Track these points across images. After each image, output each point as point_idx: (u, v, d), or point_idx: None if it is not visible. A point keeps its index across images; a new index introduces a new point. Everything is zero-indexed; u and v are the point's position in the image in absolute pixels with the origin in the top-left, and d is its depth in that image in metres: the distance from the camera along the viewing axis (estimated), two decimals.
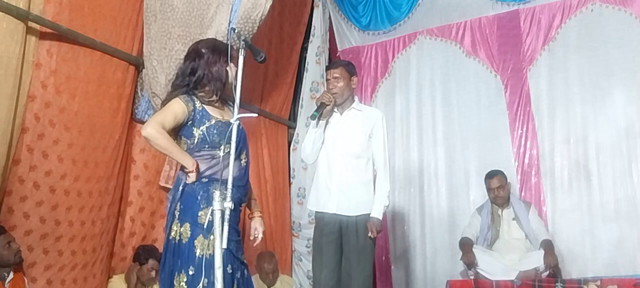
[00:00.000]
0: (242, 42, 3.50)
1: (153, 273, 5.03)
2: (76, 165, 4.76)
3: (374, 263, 5.06)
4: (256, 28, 5.20)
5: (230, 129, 3.39)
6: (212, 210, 3.22)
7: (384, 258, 6.99)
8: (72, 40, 4.72)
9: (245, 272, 3.80)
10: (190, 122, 3.62)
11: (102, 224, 5.00)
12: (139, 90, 5.42)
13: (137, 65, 5.36)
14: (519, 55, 6.69)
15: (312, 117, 4.77)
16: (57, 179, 4.61)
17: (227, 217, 3.20)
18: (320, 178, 4.88)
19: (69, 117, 4.71)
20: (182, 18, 5.22)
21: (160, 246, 4.94)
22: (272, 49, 6.74)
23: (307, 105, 7.42)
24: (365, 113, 5.00)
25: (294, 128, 7.47)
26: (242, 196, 3.76)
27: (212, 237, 3.30)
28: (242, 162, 3.74)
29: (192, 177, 3.56)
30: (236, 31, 4.18)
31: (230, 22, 5.06)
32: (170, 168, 5.48)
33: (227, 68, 3.70)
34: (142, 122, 5.37)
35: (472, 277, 5.70)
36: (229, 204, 3.21)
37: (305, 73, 7.49)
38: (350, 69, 5.03)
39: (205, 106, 3.67)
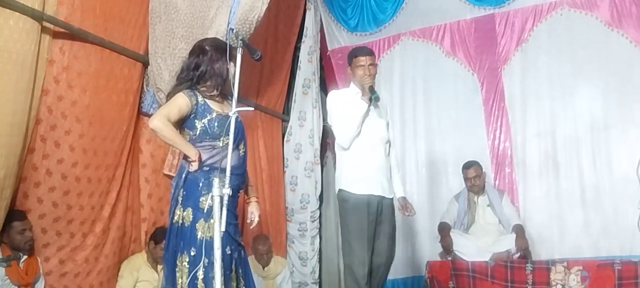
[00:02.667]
0: (240, 42, 3.52)
1: None
2: (86, 154, 4.74)
3: None
4: (253, 29, 5.19)
5: (229, 121, 3.40)
6: (212, 196, 3.23)
7: None
8: (83, 39, 4.69)
9: (242, 252, 3.83)
10: (193, 115, 3.64)
11: (110, 208, 4.98)
12: (144, 86, 5.41)
13: (144, 62, 5.33)
14: (494, 55, 6.71)
15: (376, 98, 4.65)
16: (68, 167, 4.59)
17: (225, 202, 3.20)
18: (363, 163, 4.65)
19: (80, 109, 4.69)
20: (185, 19, 5.20)
21: None
22: (267, 48, 6.72)
23: (299, 100, 7.43)
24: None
25: (288, 121, 7.46)
26: (240, 183, 3.79)
27: (212, 220, 3.31)
28: (240, 152, 3.76)
29: (194, 166, 3.58)
30: (234, 31, 4.16)
31: (229, 23, 5.04)
32: (173, 157, 5.46)
33: (228, 65, 3.69)
34: (148, 115, 5.35)
35: (449, 259, 5.73)
36: (227, 190, 3.23)
37: (298, 70, 7.47)
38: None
39: (206, 100, 3.69)
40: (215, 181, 3.22)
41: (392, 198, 4.74)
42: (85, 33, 4.69)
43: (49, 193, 4.45)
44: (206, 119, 3.64)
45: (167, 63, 5.18)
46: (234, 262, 3.68)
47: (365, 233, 4.55)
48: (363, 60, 4.76)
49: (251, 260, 5.75)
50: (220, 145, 3.61)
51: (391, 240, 4.71)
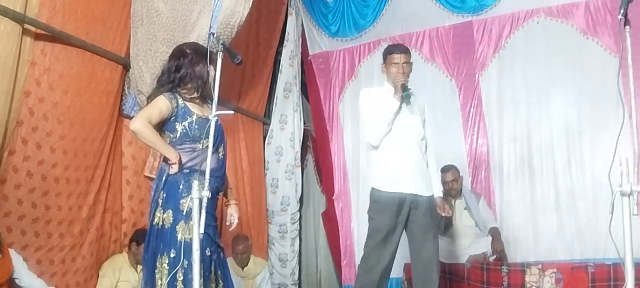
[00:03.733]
0: (221, 46, 3.52)
1: None
2: (67, 155, 4.73)
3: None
4: (235, 33, 5.18)
5: (209, 124, 3.40)
6: (192, 198, 3.22)
7: (348, 242, 6.99)
8: (64, 42, 4.68)
9: (222, 254, 3.83)
10: (173, 118, 3.63)
11: (89, 210, 4.96)
12: (126, 88, 5.39)
13: (125, 65, 5.33)
14: (472, 62, 6.72)
15: (408, 96, 4.45)
16: (48, 168, 4.57)
17: (205, 205, 3.19)
18: (395, 161, 4.45)
19: (61, 111, 4.68)
20: (167, 23, 5.20)
21: None
22: (249, 52, 6.71)
23: (281, 103, 7.44)
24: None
25: (269, 124, 7.46)
26: (220, 186, 3.79)
27: (192, 223, 3.29)
28: (220, 155, 3.76)
29: (174, 169, 3.57)
30: (215, 35, 4.16)
31: (211, 27, 5.03)
32: (154, 160, 5.45)
33: (208, 69, 3.70)
34: (130, 118, 5.34)
35: None
36: (206, 193, 3.21)
37: (279, 74, 7.49)
38: None
39: (187, 103, 3.69)
40: (195, 184, 3.20)
41: (429, 197, 4.48)
42: (66, 36, 4.68)
43: (30, 195, 4.43)
44: (187, 121, 3.64)
45: (148, 66, 5.17)
46: (213, 264, 3.68)
47: (392, 233, 4.40)
48: (397, 58, 4.58)
49: (230, 261, 5.72)
50: (201, 148, 3.62)
51: (434, 240, 4.49)
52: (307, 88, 7.66)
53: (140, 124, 3.53)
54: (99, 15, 5.05)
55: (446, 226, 6.02)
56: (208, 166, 3.31)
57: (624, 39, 3.09)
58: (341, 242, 7.02)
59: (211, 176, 3.32)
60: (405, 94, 4.42)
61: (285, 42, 7.46)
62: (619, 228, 2.86)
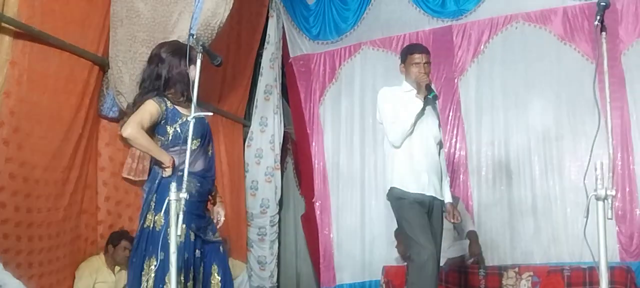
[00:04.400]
0: (200, 47, 3.53)
1: (127, 252, 5.08)
2: (45, 156, 4.69)
3: None
4: (215, 34, 5.16)
5: (192, 125, 3.39)
6: (168, 200, 3.21)
7: (327, 245, 7.00)
8: (43, 41, 4.63)
9: (221, 248, 3.87)
10: (163, 121, 3.65)
11: (64, 211, 4.91)
12: (104, 89, 5.34)
13: (103, 65, 5.28)
14: (451, 66, 6.76)
15: (434, 98, 4.41)
16: (30, 170, 4.54)
17: (183, 207, 3.17)
18: (416, 163, 4.36)
19: (40, 111, 4.63)
20: (146, 23, 5.16)
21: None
22: (230, 54, 6.69)
23: (261, 105, 7.46)
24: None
25: (249, 126, 7.46)
26: (211, 186, 3.82)
27: (184, 226, 3.28)
28: (208, 153, 3.79)
29: (168, 172, 3.59)
30: (195, 36, 4.15)
31: (191, 28, 5.00)
32: (132, 160, 5.43)
33: (188, 69, 3.69)
34: (107, 118, 5.32)
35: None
36: (184, 195, 3.20)
37: (260, 77, 7.50)
38: None
39: (175, 106, 3.70)
40: (172, 185, 3.19)
41: (442, 201, 4.46)
42: (45, 35, 4.63)
43: (13, 198, 4.39)
44: (177, 124, 3.65)
45: (127, 67, 5.14)
46: (202, 264, 3.69)
47: (428, 227, 4.27)
48: (418, 57, 4.46)
49: None
50: (192, 149, 3.59)
51: (439, 245, 4.40)
52: (288, 90, 7.66)
53: (133, 130, 3.53)
54: (77, 15, 5.00)
55: None
56: (186, 166, 3.29)
57: (600, 45, 3.13)
58: (320, 244, 7.03)
59: (203, 177, 3.46)
60: (431, 95, 4.35)
61: (265, 44, 7.47)
62: (594, 232, 2.88)
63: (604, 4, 3.18)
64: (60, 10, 4.80)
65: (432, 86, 4.44)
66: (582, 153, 5.93)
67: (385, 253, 6.52)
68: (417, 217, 4.27)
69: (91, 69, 5.18)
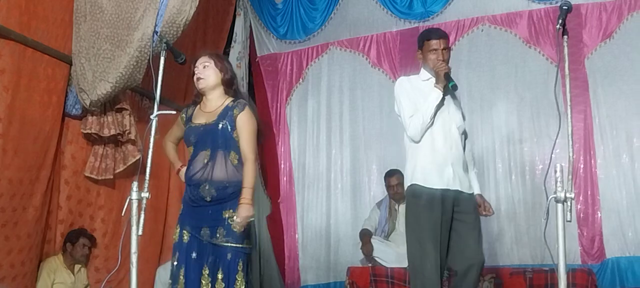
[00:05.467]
0: (164, 45, 3.50)
1: (86, 250, 5.11)
2: (7, 154, 4.59)
3: None
4: (180, 32, 5.10)
5: (203, 129, 3.64)
6: (130, 200, 3.18)
7: (292, 245, 6.98)
8: (5, 37, 4.54)
9: (229, 255, 3.59)
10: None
11: (35, 211, 4.83)
12: (68, 86, 5.24)
13: (69, 62, 5.20)
14: (417, 68, 6.72)
15: (454, 87, 3.96)
16: (1, 169, 4.47)
17: (144, 206, 3.20)
18: (437, 155, 4.04)
19: (1, 108, 4.54)
20: (110, 19, 5.10)
21: None
22: (196, 52, 6.57)
23: None
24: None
25: None
26: (206, 190, 3.69)
27: (178, 226, 3.47)
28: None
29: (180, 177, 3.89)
30: (159, 34, 4.10)
31: (156, 25, 4.94)
32: (95, 159, 5.36)
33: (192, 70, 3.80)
34: (70, 116, 5.22)
35: (370, 265, 5.74)
36: (146, 194, 3.17)
37: None
38: None
39: (195, 110, 3.86)
40: (134, 184, 3.16)
41: (472, 194, 4.11)
42: (8, 31, 4.55)
43: None
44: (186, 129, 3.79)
45: (90, 63, 5.08)
46: (206, 266, 3.58)
47: (438, 233, 3.95)
48: (435, 43, 4.06)
49: None
50: (202, 159, 3.67)
51: (477, 240, 4.05)
52: (254, 90, 7.60)
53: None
54: (41, 11, 4.93)
55: (389, 230, 6.04)
56: (148, 165, 3.27)
57: (562, 49, 3.14)
58: (285, 245, 7.02)
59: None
60: (451, 85, 3.95)
61: (232, 42, 7.40)
62: (555, 234, 2.88)
63: (566, 7, 3.20)
64: (24, 6, 4.73)
65: (451, 75, 4.06)
66: (545, 155, 6.00)
67: (350, 254, 6.51)
68: (431, 219, 3.96)
69: (57, 66, 5.10)
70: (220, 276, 3.54)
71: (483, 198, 4.20)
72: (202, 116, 3.72)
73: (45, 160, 4.95)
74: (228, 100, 3.71)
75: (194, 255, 3.56)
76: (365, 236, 5.95)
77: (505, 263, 5.91)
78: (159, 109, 3.43)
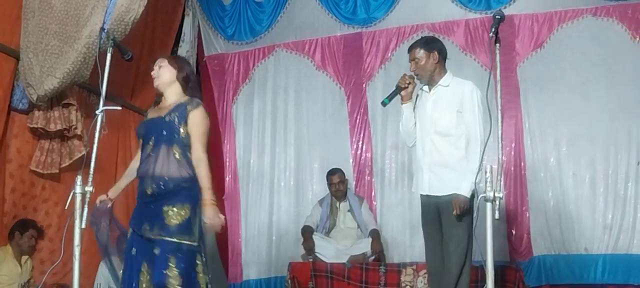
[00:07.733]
0: (111, 41, 3.49)
1: (33, 241, 5.08)
2: None
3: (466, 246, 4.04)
4: (129, 30, 5.12)
5: (148, 124, 3.66)
6: (73, 193, 3.16)
7: (236, 242, 6.98)
8: None
9: (157, 249, 3.54)
10: None
11: None
12: (14, 80, 5.16)
13: (16, 57, 5.14)
14: (360, 71, 6.89)
15: (383, 104, 4.40)
16: None
17: (87, 200, 3.25)
18: (417, 160, 4.26)
19: None
20: (59, 16, 5.08)
21: None
22: (144, 50, 6.59)
23: None
24: (452, 88, 4.29)
25: None
26: (150, 186, 3.65)
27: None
28: (148, 153, 3.68)
29: None
30: (106, 31, 4.07)
31: (104, 22, 4.90)
32: (41, 153, 5.33)
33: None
34: (17, 110, 5.13)
35: (310, 260, 5.80)
36: (89, 188, 3.16)
37: None
38: (429, 46, 4.37)
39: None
40: (78, 178, 3.14)
41: (449, 195, 4.03)
42: None
43: None
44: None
45: (38, 58, 5.04)
46: (143, 262, 3.57)
47: (430, 237, 4.21)
48: (409, 56, 4.49)
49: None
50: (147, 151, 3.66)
51: (451, 244, 4.03)
52: (202, 89, 7.54)
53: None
54: None
55: (330, 227, 6.11)
56: (92, 161, 3.24)
57: (494, 56, 3.25)
58: (229, 241, 7.00)
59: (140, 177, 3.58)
60: (382, 101, 4.47)
61: (180, 42, 7.39)
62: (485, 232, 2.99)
63: (499, 17, 3.36)
64: None
65: (398, 86, 4.46)
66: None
67: (291, 250, 6.57)
68: (424, 226, 4.36)
69: (4, 60, 5.04)
70: (144, 269, 3.53)
71: (457, 197, 3.98)
72: (156, 112, 3.77)
73: None
74: (184, 98, 3.73)
75: (133, 251, 3.58)
76: (307, 232, 6.03)
77: None
78: (105, 105, 3.41)
